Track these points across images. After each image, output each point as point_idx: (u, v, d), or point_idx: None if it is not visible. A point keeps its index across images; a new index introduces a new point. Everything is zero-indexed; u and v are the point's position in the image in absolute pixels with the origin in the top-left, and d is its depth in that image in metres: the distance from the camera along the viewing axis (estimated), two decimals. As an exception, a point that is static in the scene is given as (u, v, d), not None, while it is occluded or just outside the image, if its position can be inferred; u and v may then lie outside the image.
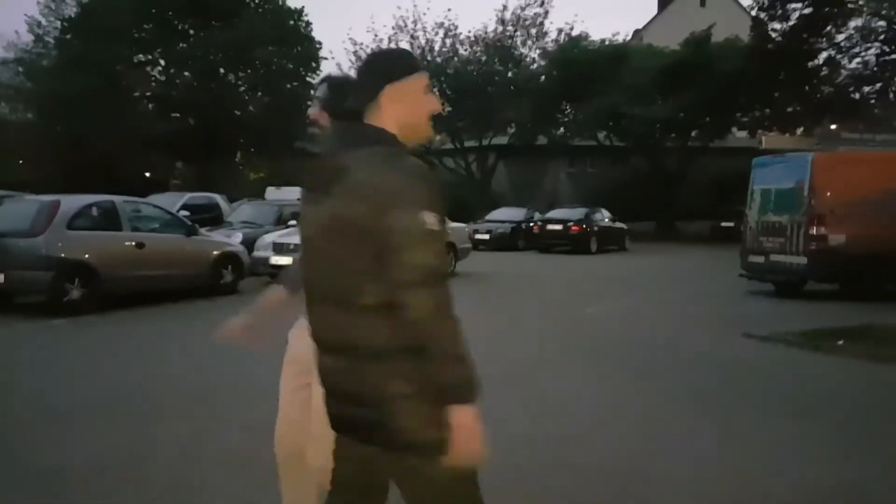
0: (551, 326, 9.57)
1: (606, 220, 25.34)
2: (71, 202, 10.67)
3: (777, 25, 26.11)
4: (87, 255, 10.25)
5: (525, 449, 4.57)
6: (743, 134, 31.93)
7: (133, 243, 10.84)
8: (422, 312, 1.85)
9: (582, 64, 29.29)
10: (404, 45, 33.53)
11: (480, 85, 32.03)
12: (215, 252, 11.90)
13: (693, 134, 31.91)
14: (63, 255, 10.06)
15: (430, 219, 1.87)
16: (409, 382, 1.91)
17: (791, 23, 25.47)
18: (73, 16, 34.84)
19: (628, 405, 5.81)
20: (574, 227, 23.51)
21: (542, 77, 32.32)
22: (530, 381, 6.47)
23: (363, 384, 1.95)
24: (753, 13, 27.35)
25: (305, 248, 2.10)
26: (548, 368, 7.11)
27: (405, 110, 2.05)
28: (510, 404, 5.35)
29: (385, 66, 2.08)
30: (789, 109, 28.42)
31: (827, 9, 24.63)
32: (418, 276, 1.85)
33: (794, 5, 25.16)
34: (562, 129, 33.13)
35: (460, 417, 1.87)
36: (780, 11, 25.56)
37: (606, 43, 32.48)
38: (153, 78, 36.28)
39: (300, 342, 2.76)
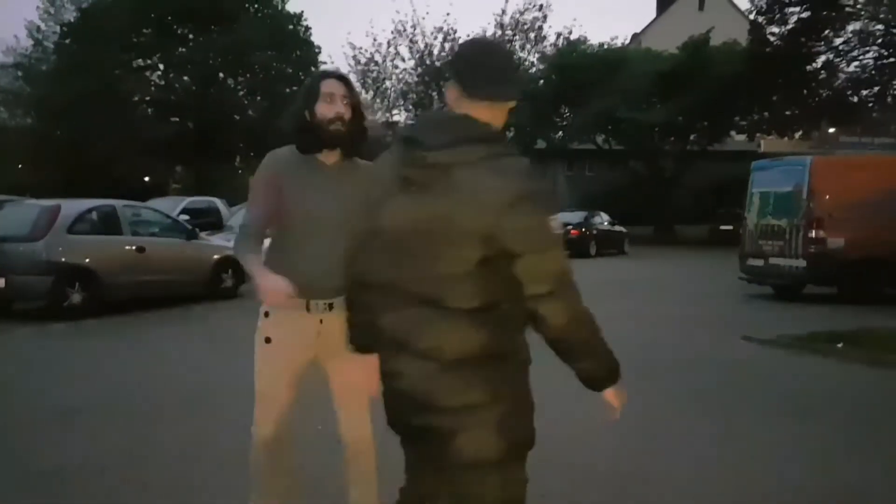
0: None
1: (605, 223, 25.37)
2: (71, 207, 10.67)
3: (775, 29, 26.21)
4: (87, 260, 10.26)
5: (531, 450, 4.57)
6: (741, 137, 32.01)
7: (133, 248, 10.85)
8: (563, 318, 1.91)
9: (580, 68, 29.37)
10: (403, 49, 33.64)
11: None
12: (215, 256, 11.92)
13: (691, 137, 31.99)
14: (63, 259, 10.07)
15: (555, 223, 1.87)
16: (489, 391, 1.90)
17: (789, 26, 25.55)
18: (72, 20, 34.92)
19: (628, 406, 5.79)
20: (573, 231, 23.52)
21: (541, 81, 32.40)
22: (532, 381, 6.47)
23: (445, 390, 1.89)
24: (751, 17, 27.44)
25: (387, 244, 1.98)
26: (546, 370, 7.11)
27: (499, 114, 2.00)
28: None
29: (507, 63, 2.04)
30: (787, 113, 28.48)
31: (825, 12, 24.71)
32: (555, 283, 1.87)
33: (792, 9, 25.25)
34: (560, 133, 33.19)
35: (618, 395, 2.19)
36: (778, 15, 25.64)
37: (605, 47, 32.62)
38: (152, 82, 36.35)
39: (288, 323, 2.76)
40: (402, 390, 1.97)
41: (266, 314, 2.81)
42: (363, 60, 33.91)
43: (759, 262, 12.93)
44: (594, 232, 24.28)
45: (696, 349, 8.35)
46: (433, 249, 1.88)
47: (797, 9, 25.13)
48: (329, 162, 2.82)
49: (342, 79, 2.83)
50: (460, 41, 33.47)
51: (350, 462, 3.00)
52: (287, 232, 2.80)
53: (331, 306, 2.78)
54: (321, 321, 2.79)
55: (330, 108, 2.74)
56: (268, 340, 2.81)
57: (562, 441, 4.81)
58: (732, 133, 31.98)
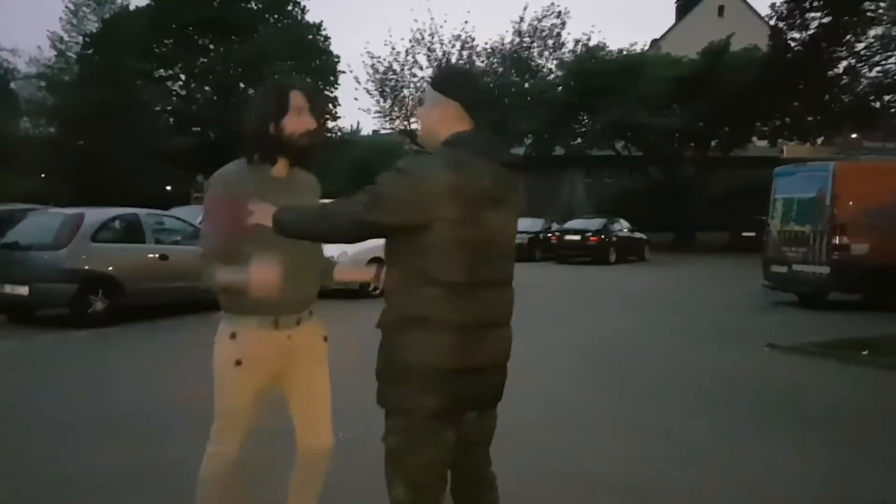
0: (569, 338, 9.53)
1: (625, 230, 25.25)
2: (95, 215, 10.76)
3: (796, 34, 25.96)
4: (110, 268, 10.34)
5: (533, 457, 4.56)
6: (763, 143, 31.76)
7: (156, 255, 10.92)
8: None
9: (599, 74, 29.28)
10: (421, 57, 33.74)
11: (497, 96, 32.09)
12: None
13: (712, 143, 31.80)
14: (87, 267, 10.15)
15: None
16: None
17: (810, 32, 25.32)
18: (94, 31, 35.33)
19: (643, 415, 5.78)
20: (592, 238, 23.45)
21: (559, 88, 32.34)
22: (542, 390, 6.44)
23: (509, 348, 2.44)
24: (772, 22, 27.23)
25: (486, 250, 2.30)
26: (562, 378, 7.09)
27: None
28: (525, 415, 5.35)
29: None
30: (809, 119, 28.23)
31: (846, 17, 24.47)
32: None
33: (812, 14, 25.04)
34: (579, 140, 33.11)
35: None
36: (798, 21, 25.42)
37: (624, 53, 32.48)
38: (174, 92, 36.68)
39: (258, 343, 2.71)
40: (496, 362, 2.39)
41: (233, 335, 2.71)
42: (381, 69, 34.02)
43: (783, 269, 12.82)
44: (614, 239, 24.17)
45: (719, 357, 8.28)
46: (511, 243, 2.44)
47: (818, 14, 24.90)
48: (281, 173, 2.76)
49: (306, 90, 2.77)
50: (477, 49, 33.78)
51: (304, 469, 2.92)
52: (246, 248, 2.61)
53: (298, 321, 2.78)
54: (289, 337, 2.76)
55: (300, 121, 2.69)
56: (238, 363, 2.70)
57: (571, 449, 4.79)
58: (754, 139, 31.74)
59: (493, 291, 2.33)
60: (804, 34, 25.58)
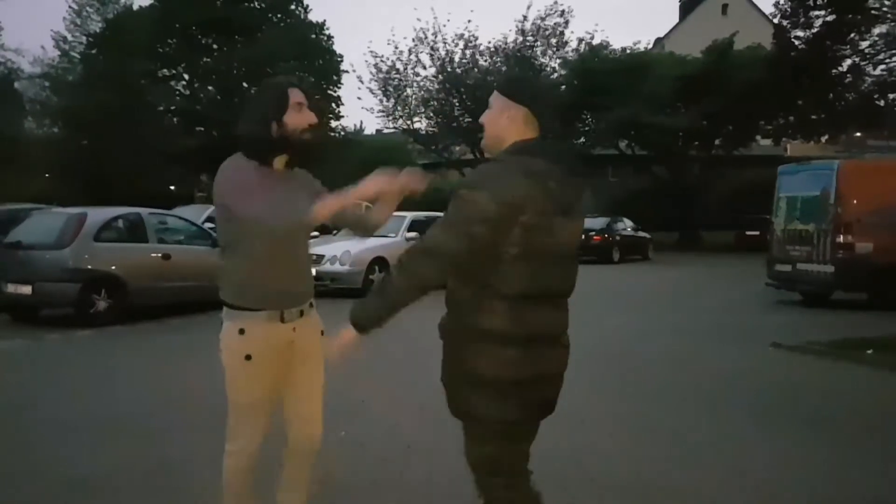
0: (575, 338, 9.50)
1: (629, 229, 25.21)
2: (97, 214, 10.77)
3: (800, 33, 25.90)
4: (113, 267, 10.35)
5: (543, 460, 4.53)
6: (767, 142, 31.68)
7: (159, 255, 10.92)
8: None
9: (602, 73, 29.23)
10: (424, 56, 33.68)
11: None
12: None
13: (716, 142, 31.73)
14: (90, 266, 10.16)
15: None
16: None
17: (814, 30, 25.25)
18: (98, 31, 35.36)
19: (651, 417, 5.75)
20: (596, 237, 23.40)
21: (563, 87, 32.27)
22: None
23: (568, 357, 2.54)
24: (776, 21, 27.18)
25: (555, 260, 2.35)
26: (571, 379, 7.05)
27: None
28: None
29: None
30: (814, 117, 28.15)
31: (850, 16, 24.40)
32: None
33: (816, 12, 24.97)
34: (582, 139, 33.05)
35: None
36: (802, 19, 25.36)
37: (627, 52, 32.41)
38: (177, 92, 36.70)
39: (267, 336, 2.77)
40: (555, 374, 2.49)
41: (241, 331, 2.76)
42: (384, 68, 33.97)
43: (787, 268, 12.78)
44: (617, 238, 24.14)
45: (722, 357, 8.26)
46: (575, 256, 2.46)
47: (822, 12, 24.84)
48: (279, 168, 2.81)
49: (302, 86, 2.83)
50: (481, 48, 33.69)
51: (294, 463, 2.98)
52: (250, 243, 2.71)
53: (301, 313, 2.86)
54: (294, 329, 2.83)
55: (301, 117, 2.75)
56: (248, 357, 2.76)
57: (581, 453, 4.77)
58: (758, 137, 31.66)
59: (556, 302, 2.40)
60: (808, 32, 25.52)
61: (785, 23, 26.13)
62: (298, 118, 2.74)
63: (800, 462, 4.64)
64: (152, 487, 4.14)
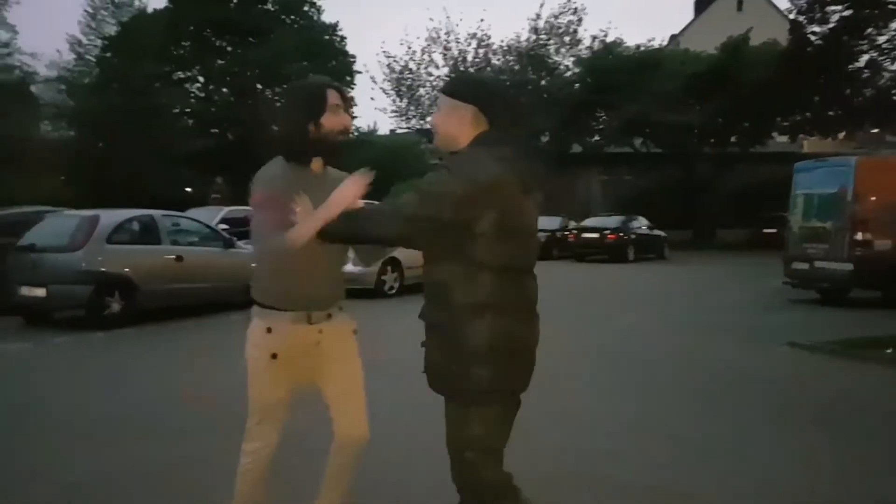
0: (586, 337, 9.43)
1: (644, 227, 25.07)
2: (110, 216, 10.79)
3: (816, 28, 25.67)
4: (126, 269, 10.36)
5: (546, 459, 4.48)
6: (783, 139, 31.42)
7: (172, 257, 10.93)
8: None
9: (616, 70, 29.11)
10: (437, 56, 33.69)
11: (511, 91, 31.85)
12: (253, 265, 11.90)
13: (732, 139, 31.50)
14: (103, 269, 10.17)
15: None
16: None
17: (830, 25, 25.02)
18: (112, 34, 35.56)
19: (664, 417, 5.68)
20: (610, 236, 23.29)
21: (576, 84, 32.17)
22: (561, 392, 6.34)
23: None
24: (791, 16, 26.93)
25: (530, 237, 2.53)
26: (581, 380, 6.99)
27: None
28: (539, 416, 5.25)
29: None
30: (830, 113, 27.89)
31: (867, 10, 24.14)
32: None
33: (833, 8, 24.73)
34: (596, 137, 32.91)
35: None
36: (818, 14, 25.12)
37: (641, 49, 32.24)
38: (191, 94, 36.86)
39: (293, 337, 2.82)
40: (536, 343, 2.58)
41: (268, 330, 2.80)
42: (397, 68, 33.99)
43: (804, 266, 12.64)
44: (632, 236, 24.00)
45: (738, 356, 8.16)
46: (536, 234, 2.61)
47: (839, 7, 24.59)
48: (318, 170, 2.87)
49: (339, 88, 2.87)
50: (493, 47, 33.65)
51: (340, 457, 3.01)
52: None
53: (329, 316, 2.90)
54: (320, 331, 2.87)
55: (338, 119, 2.80)
56: (274, 356, 2.80)
57: (593, 454, 4.71)
58: (774, 134, 31.40)
59: (529, 277, 2.54)
60: (825, 28, 25.29)
61: (801, 18, 25.89)
62: (336, 120, 2.79)
63: (815, 463, 4.56)
64: (164, 489, 4.12)
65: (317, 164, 2.85)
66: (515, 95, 30.29)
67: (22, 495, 4.07)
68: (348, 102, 2.89)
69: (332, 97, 2.78)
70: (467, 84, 2.68)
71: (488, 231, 2.36)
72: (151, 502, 3.98)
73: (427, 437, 4.90)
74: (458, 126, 2.53)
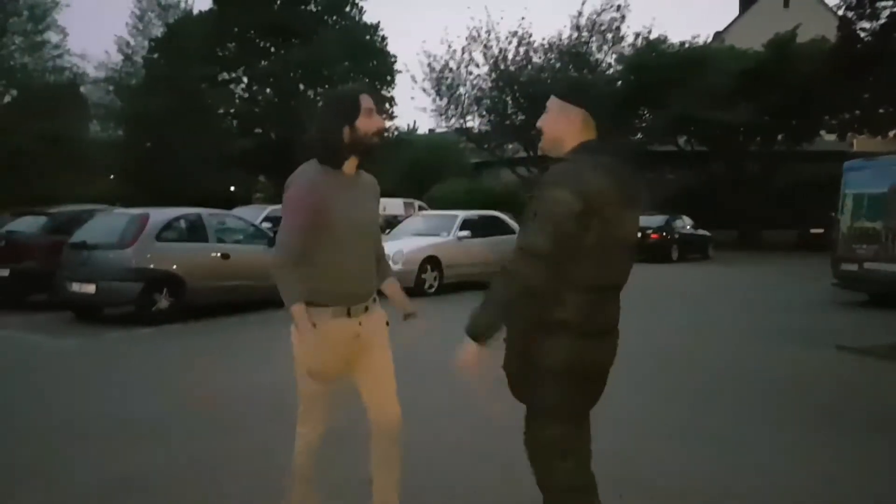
0: (629, 340, 9.34)
1: (688, 227, 24.73)
2: (159, 215, 10.99)
3: (866, 24, 25.07)
4: (174, 266, 10.55)
5: (596, 462, 4.45)
6: (832, 137, 30.74)
7: (218, 254, 11.11)
8: None
9: (660, 67, 28.68)
10: (477, 55, 33.60)
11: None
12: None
13: (779, 137, 30.92)
14: (151, 266, 10.38)
15: None
16: None
17: (880, 21, 24.42)
18: (159, 36, 36.20)
19: (708, 420, 5.61)
20: (653, 235, 23.00)
21: (619, 82, 31.82)
22: (604, 395, 6.29)
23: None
24: (840, 13, 26.34)
25: (622, 251, 2.52)
26: (622, 381, 6.91)
27: None
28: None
29: None
30: (881, 111, 27.23)
31: (919, 5, 23.55)
32: None
33: (883, 3, 24.13)
34: (639, 135, 32.53)
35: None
36: (868, 10, 24.53)
37: (686, 46, 31.79)
38: (236, 95, 37.37)
39: (336, 330, 2.97)
40: (610, 364, 2.64)
41: (313, 325, 2.90)
42: (438, 67, 33.99)
43: (853, 267, 12.37)
44: (676, 236, 23.70)
45: (785, 360, 8.01)
46: (633, 248, 2.58)
47: (889, 2, 24.00)
48: (350, 171, 3.00)
49: (372, 92, 3.00)
50: (534, 45, 33.42)
51: (380, 443, 3.17)
52: (323, 245, 2.91)
53: (367, 308, 3.07)
54: (360, 323, 3.04)
55: (372, 122, 2.92)
56: (319, 350, 2.92)
57: (635, 457, 4.67)
58: (822, 132, 30.74)
59: (614, 296, 2.56)
60: (875, 24, 24.70)
61: (850, 14, 25.31)
62: (369, 123, 2.91)
63: (865, 470, 4.47)
64: (222, 483, 4.18)
65: (349, 166, 2.98)
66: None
67: (70, 490, 4.16)
68: (382, 105, 3.04)
69: (366, 101, 2.92)
70: (578, 88, 2.85)
71: (587, 245, 2.38)
72: (206, 498, 4.03)
73: (469, 441, 4.93)
74: (567, 128, 2.57)
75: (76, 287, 10.39)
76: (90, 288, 10.26)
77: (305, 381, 3.02)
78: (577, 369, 2.46)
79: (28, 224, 12.86)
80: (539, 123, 2.66)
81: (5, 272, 11.82)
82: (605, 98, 2.80)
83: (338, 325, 2.97)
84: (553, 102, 2.62)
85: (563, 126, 2.57)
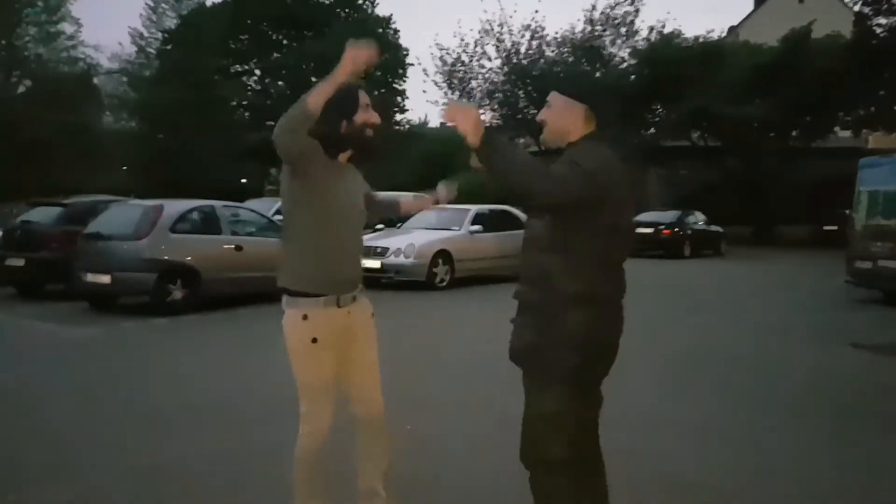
0: (642, 336, 9.33)
1: (701, 223, 24.63)
2: (173, 207, 11.06)
3: (882, 20, 24.90)
4: (188, 258, 10.62)
5: (614, 460, 4.45)
6: (847, 134, 30.53)
7: (232, 246, 11.17)
8: None
9: (674, 62, 28.50)
10: (490, 48, 33.52)
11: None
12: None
13: (793, 134, 30.73)
14: (166, 257, 10.46)
15: None
16: None
17: (897, 17, 24.26)
18: (173, 28, 36.28)
19: (723, 418, 5.60)
20: (666, 231, 22.92)
21: (632, 77, 31.66)
22: (616, 391, 6.28)
23: None
24: (856, 8, 26.15)
25: (629, 233, 2.71)
26: (637, 378, 6.93)
27: None
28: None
29: None
30: (896, 108, 27.04)
31: (937, 1, 23.36)
32: None
33: (901, -2, 23.97)
34: (652, 130, 32.38)
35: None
36: (885, 5, 24.36)
37: (700, 40, 31.60)
38: (248, 87, 37.43)
39: (328, 320, 2.97)
40: (618, 340, 2.70)
41: (304, 317, 2.95)
42: (450, 61, 33.92)
43: (868, 265, 12.30)
44: (689, 232, 23.61)
45: (799, 357, 7.99)
46: (633, 231, 2.76)
47: (907, -2, 23.84)
48: (343, 162, 3.12)
49: (365, 88, 3.10)
50: (547, 38, 33.31)
51: (365, 435, 3.20)
52: (317, 229, 2.96)
53: (354, 298, 3.10)
54: (349, 312, 3.06)
55: (369, 115, 3.06)
56: (315, 341, 2.95)
57: (655, 455, 4.68)
58: (837, 129, 30.52)
59: (622, 271, 2.69)
60: (891, 20, 24.51)
61: (866, 10, 25.16)
62: (367, 116, 3.05)
63: (881, 469, 4.45)
64: (239, 475, 4.21)
65: (343, 158, 3.10)
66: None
67: (94, 481, 4.19)
68: (375, 102, 3.14)
69: (363, 97, 3.04)
70: (581, 84, 2.80)
71: (605, 222, 2.50)
72: (227, 488, 4.06)
73: (488, 434, 4.95)
74: (572, 123, 2.65)
75: (91, 277, 10.48)
76: (105, 278, 10.34)
77: (308, 372, 3.03)
78: (595, 338, 2.56)
79: (43, 214, 12.98)
80: (540, 117, 2.73)
81: (21, 261, 11.93)
82: (610, 93, 2.88)
83: (330, 315, 2.98)
84: (555, 97, 2.71)
85: (566, 120, 2.66)
